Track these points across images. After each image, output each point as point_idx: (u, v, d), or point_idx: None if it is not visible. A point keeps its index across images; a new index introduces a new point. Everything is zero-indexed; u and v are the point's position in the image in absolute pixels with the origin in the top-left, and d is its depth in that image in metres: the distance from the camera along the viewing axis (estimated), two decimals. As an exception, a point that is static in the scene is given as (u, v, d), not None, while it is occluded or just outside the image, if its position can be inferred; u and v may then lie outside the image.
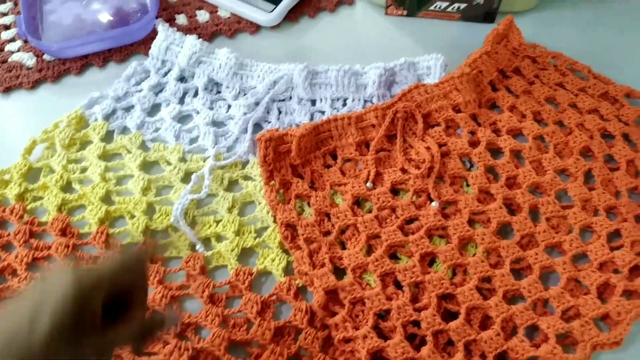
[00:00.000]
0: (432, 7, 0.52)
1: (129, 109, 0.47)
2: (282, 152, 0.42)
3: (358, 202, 0.42)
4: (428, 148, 0.42)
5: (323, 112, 0.46)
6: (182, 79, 0.48)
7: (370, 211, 0.41)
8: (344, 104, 0.47)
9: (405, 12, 0.54)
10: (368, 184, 0.42)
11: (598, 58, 0.49)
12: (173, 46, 0.48)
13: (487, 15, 0.52)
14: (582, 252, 0.39)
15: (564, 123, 0.45)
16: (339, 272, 0.38)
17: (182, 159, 0.44)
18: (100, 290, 0.26)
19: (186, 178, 0.43)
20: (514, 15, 0.52)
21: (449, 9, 0.52)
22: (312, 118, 0.46)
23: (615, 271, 0.38)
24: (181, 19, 0.53)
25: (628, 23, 0.53)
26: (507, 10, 0.53)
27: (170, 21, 0.53)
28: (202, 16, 0.53)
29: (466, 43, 0.50)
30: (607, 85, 0.47)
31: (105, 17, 0.53)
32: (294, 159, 0.42)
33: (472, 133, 0.44)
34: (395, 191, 0.42)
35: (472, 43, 0.50)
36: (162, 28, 0.48)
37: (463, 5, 0.52)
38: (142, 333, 0.29)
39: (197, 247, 0.40)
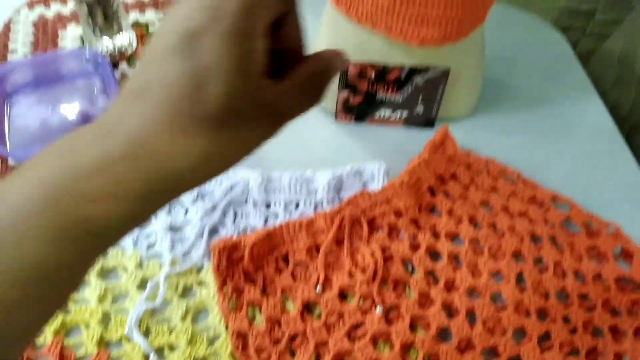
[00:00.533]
0: (377, 115, 0.57)
1: (89, 213, 0.49)
2: (235, 259, 0.44)
3: (308, 307, 0.44)
4: (372, 253, 0.45)
5: (277, 215, 0.49)
6: (142, 184, 0.51)
7: (319, 316, 0.43)
8: (297, 207, 0.50)
9: (353, 119, 0.58)
10: (317, 288, 0.44)
11: (527, 163, 0.54)
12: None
13: (427, 122, 0.58)
14: (515, 355, 0.42)
15: (497, 226, 0.49)
16: (288, 380, 0.40)
17: (139, 266, 0.46)
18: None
19: (142, 285, 0.45)
20: (451, 122, 0.57)
21: (393, 117, 0.57)
22: (266, 221, 0.49)
23: (545, 374, 0.41)
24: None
25: (553, 130, 0.59)
26: (446, 117, 0.58)
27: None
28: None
29: (409, 146, 0.55)
30: (534, 190, 0.52)
31: (71, 121, 0.56)
32: (247, 266, 0.44)
33: (413, 237, 0.48)
34: (343, 295, 0.45)
35: (414, 146, 0.54)
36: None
37: (405, 114, 0.57)
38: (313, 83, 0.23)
39: (151, 357, 0.41)
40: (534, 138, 0.58)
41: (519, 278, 0.46)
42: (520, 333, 0.43)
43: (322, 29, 0.57)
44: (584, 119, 0.61)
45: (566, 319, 0.44)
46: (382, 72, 0.53)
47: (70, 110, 0.57)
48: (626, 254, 0.48)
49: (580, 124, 0.60)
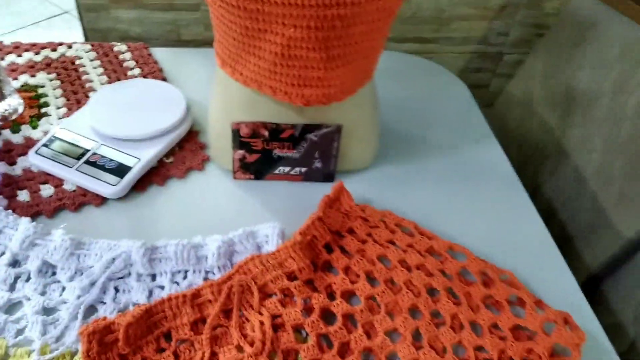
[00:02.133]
0: (276, 171, 0.56)
1: (-48, 300, 0.45)
2: (109, 343, 0.41)
3: None
4: (262, 322, 0.43)
5: (162, 287, 0.46)
6: (14, 263, 0.47)
7: (203, 398, 0.40)
8: (185, 277, 0.47)
9: (252, 176, 0.57)
10: (204, 365, 0.41)
11: (425, 212, 0.54)
12: (7, 229, 0.47)
13: (327, 176, 0.57)
14: (410, 421, 0.40)
15: (394, 280, 0.48)
16: None
17: (5, 355, 0.42)
18: None
19: (7, 378, 0.40)
20: (351, 174, 0.57)
21: (292, 172, 0.56)
22: (151, 294, 0.46)
23: None
24: (23, 195, 0.53)
25: (452, 177, 0.60)
26: (345, 169, 0.58)
27: (12, 198, 0.52)
28: (46, 190, 0.53)
29: (309, 201, 0.54)
30: (431, 241, 0.51)
31: (-60, 196, 0.51)
32: (122, 349, 0.41)
33: (308, 300, 0.46)
34: (232, 369, 0.42)
35: (314, 201, 0.53)
36: (-7, 213, 0.47)
37: (304, 169, 0.56)
38: None
39: None
40: (432, 187, 0.58)
41: (416, 335, 0.45)
42: (416, 396, 0.42)
43: (215, 87, 0.56)
44: (484, 166, 0.62)
45: (463, 376, 0.43)
46: (276, 131, 0.53)
47: (-59, 184, 0.53)
48: (521, 301, 0.48)
49: (479, 171, 0.61)
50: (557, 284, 0.50)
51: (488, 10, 0.92)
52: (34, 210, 0.51)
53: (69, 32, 1.90)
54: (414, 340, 0.44)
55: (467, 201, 0.57)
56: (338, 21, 0.43)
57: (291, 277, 0.47)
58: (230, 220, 0.52)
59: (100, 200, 0.53)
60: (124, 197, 0.54)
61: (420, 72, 0.78)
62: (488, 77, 1.04)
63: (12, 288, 0.46)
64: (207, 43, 0.91)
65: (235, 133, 0.53)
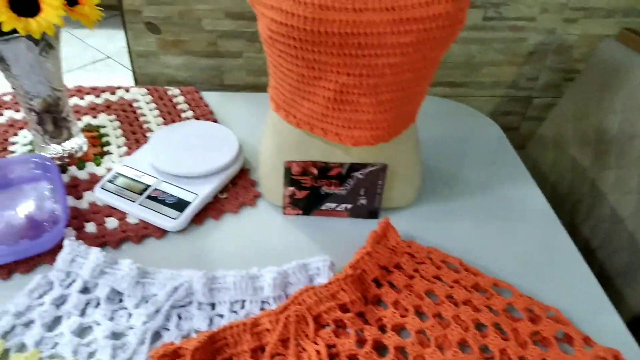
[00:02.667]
0: (323, 207, 0.59)
1: (28, 324, 0.48)
2: (176, 367, 0.43)
3: None
4: (318, 352, 0.45)
5: (222, 316, 0.49)
6: (85, 289, 0.50)
7: (263, 423, 0.41)
8: (242, 306, 0.50)
9: (300, 212, 0.60)
10: (263, 391, 0.43)
11: (468, 249, 0.56)
12: (78, 258, 0.51)
13: (371, 213, 0.60)
14: None
15: (442, 315, 0.50)
16: None
17: (77, 377, 0.44)
18: None
19: (79, 399, 0.43)
20: (395, 211, 0.59)
21: (338, 209, 0.59)
22: (211, 322, 0.48)
23: None
24: (90, 227, 0.56)
25: (492, 216, 0.62)
26: (389, 207, 0.61)
27: (80, 229, 0.56)
28: (111, 223, 0.57)
29: (355, 237, 0.57)
30: (476, 277, 0.53)
31: (16, 227, 0.55)
32: (189, 373, 0.43)
33: (360, 332, 0.48)
34: (290, 397, 0.44)
35: (360, 236, 0.56)
36: (69, 243, 0.51)
37: (350, 206, 0.59)
38: None
39: None
40: (474, 224, 0.60)
41: (466, 369, 0.46)
42: None
43: (267, 129, 0.60)
44: (522, 203, 0.64)
45: (514, 410, 0.43)
46: (324, 169, 0.56)
47: (16, 215, 0.57)
48: (568, 338, 0.49)
49: (518, 209, 0.63)
50: (601, 322, 0.51)
51: (517, 56, 0.96)
52: (100, 241, 0.55)
53: (112, 75, 2.01)
54: (464, 373, 0.46)
55: (507, 238, 0.59)
56: (388, 69, 0.47)
57: (343, 308, 0.49)
58: (281, 253, 0.55)
59: (161, 233, 0.56)
60: (183, 230, 0.57)
61: (455, 114, 0.82)
62: (518, 120, 1.07)
63: (82, 313, 0.49)
64: (248, 88, 0.96)
65: (287, 171, 0.57)
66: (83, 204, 0.59)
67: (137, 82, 0.96)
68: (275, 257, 0.54)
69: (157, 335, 0.47)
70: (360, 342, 0.47)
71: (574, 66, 0.97)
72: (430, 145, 0.73)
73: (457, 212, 0.62)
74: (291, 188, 0.58)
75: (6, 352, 0.46)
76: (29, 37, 0.53)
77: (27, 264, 0.53)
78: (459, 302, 0.51)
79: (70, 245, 0.51)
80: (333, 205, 0.59)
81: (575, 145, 0.81)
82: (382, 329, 0.48)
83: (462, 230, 0.59)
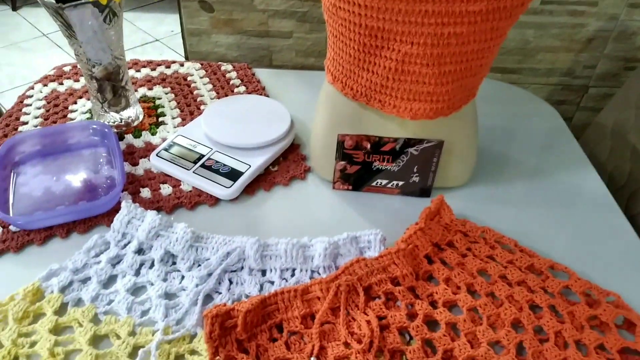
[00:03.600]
0: (374, 184, 0.59)
1: (85, 280, 0.49)
2: (228, 327, 0.44)
3: None
4: (369, 322, 0.45)
5: (272, 282, 0.49)
6: (140, 251, 0.51)
7: (313, 388, 0.41)
8: (292, 274, 0.50)
9: (350, 187, 0.60)
10: (312, 359, 0.43)
11: (523, 232, 0.55)
12: (134, 220, 0.52)
13: (423, 191, 0.59)
14: None
15: (495, 295, 0.48)
16: None
17: (132, 333, 0.45)
18: None
19: (134, 352, 0.44)
20: (447, 191, 0.58)
21: (389, 185, 0.59)
22: (261, 288, 0.49)
23: None
24: (145, 192, 0.58)
25: (549, 200, 0.60)
26: (441, 186, 0.59)
27: (135, 194, 0.57)
28: (165, 190, 0.58)
29: (405, 215, 0.56)
30: (532, 258, 0.51)
31: (74, 190, 0.57)
32: (240, 334, 0.43)
33: (411, 305, 0.47)
34: (339, 365, 0.43)
35: (410, 215, 0.55)
36: (126, 204, 0.52)
37: (401, 183, 0.58)
38: None
39: None
40: (529, 208, 0.59)
41: (519, 348, 0.45)
42: (523, 408, 0.41)
43: (321, 103, 0.60)
44: (580, 189, 0.62)
45: (571, 393, 0.42)
46: (378, 144, 0.55)
47: (75, 178, 0.59)
48: (629, 325, 0.47)
49: (576, 194, 0.61)
50: (665, 311, 0.48)
51: (575, 42, 0.92)
52: (155, 207, 0.56)
53: (160, 58, 2.05)
54: (518, 354, 0.44)
55: (564, 223, 0.57)
56: (454, 39, 0.46)
57: (394, 282, 0.48)
58: (331, 227, 0.55)
59: (214, 201, 0.57)
60: (235, 199, 0.58)
61: (511, 97, 0.79)
62: (572, 109, 1.03)
63: (137, 273, 0.50)
64: (297, 68, 0.96)
65: (340, 144, 0.56)
66: (139, 170, 0.60)
67: (188, 60, 0.98)
68: (325, 230, 0.54)
69: (208, 298, 0.48)
70: (411, 315, 0.46)
71: (635, 54, 0.93)
72: (486, 126, 0.71)
73: (512, 195, 0.60)
74: (343, 162, 0.58)
75: (64, 305, 0.47)
76: (95, 4, 0.55)
77: (85, 224, 0.54)
78: (512, 282, 0.49)
79: (127, 207, 0.52)
80: (384, 181, 0.59)
81: (636, 133, 0.78)
82: (433, 304, 0.48)
83: (517, 214, 0.58)
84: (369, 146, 0.56)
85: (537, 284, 0.49)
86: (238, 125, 0.63)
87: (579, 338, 0.45)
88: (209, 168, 0.58)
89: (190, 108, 0.71)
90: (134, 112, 0.66)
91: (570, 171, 0.64)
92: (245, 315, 0.43)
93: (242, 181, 0.57)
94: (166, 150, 0.61)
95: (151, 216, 0.51)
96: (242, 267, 0.50)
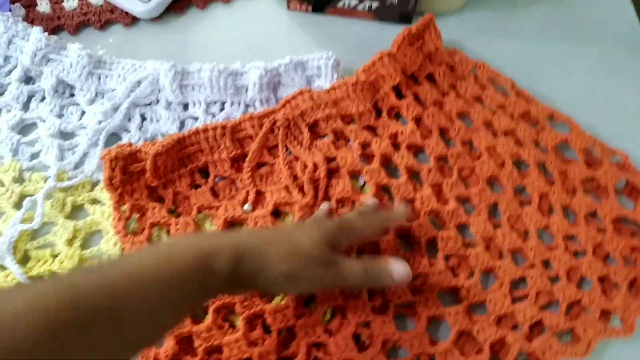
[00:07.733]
0: (340, 4, 0.45)
1: (-40, 116, 0.39)
2: (135, 172, 0.35)
3: (233, 227, 0.35)
4: (315, 163, 0.36)
5: (196, 119, 0.39)
6: (28, 80, 0.40)
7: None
8: (222, 109, 0.40)
9: (310, 8, 0.46)
10: (246, 207, 0.35)
11: (525, 71, 0.43)
12: (17, 39, 0.40)
13: (403, 16, 0.46)
14: (480, 302, 0.33)
15: (473, 144, 0.39)
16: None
17: (19, 179, 0.37)
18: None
19: (20, 203, 0.35)
20: (437, 18, 0.45)
21: (360, 7, 0.45)
22: (182, 125, 0.39)
23: (514, 327, 0.32)
24: (43, 6, 0.45)
25: (563, 34, 0.47)
26: (428, 11, 0.46)
27: (30, 7, 0.44)
28: (70, 3, 0.45)
29: (378, 43, 0.43)
30: (528, 104, 0.41)
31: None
32: (151, 180, 0.35)
33: (366, 145, 0.37)
34: (277, 212, 0.35)
35: (384, 44, 0.43)
36: (2, 18, 0.40)
37: (375, 4, 0.45)
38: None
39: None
40: (539, 41, 0.46)
41: (493, 210, 0.36)
42: (488, 276, 0.34)
43: None
44: (604, 24, 0.48)
45: (547, 264, 0.35)
46: (344, -56, 0.41)
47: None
48: (631, 190, 0.38)
49: (597, 31, 0.47)
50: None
51: None
52: (55, 24, 0.44)
53: None
54: (490, 216, 0.36)
55: (576, 61, 0.45)
56: None
57: (347, 119, 0.38)
58: (277, 54, 0.42)
59: (130, 20, 0.45)
60: (158, 18, 0.45)
61: None
62: None
63: (25, 107, 0.40)
64: None
65: (294, -54, 0.42)
66: (37, -22, 0.47)
67: None
68: (269, 56, 0.42)
69: (114, 137, 0.39)
70: (365, 157, 0.37)
71: None
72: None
73: (518, 23, 0.47)
74: (298, -28, 0.44)
75: None
76: None
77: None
78: (498, 131, 0.39)
79: (4, 21, 0.40)
80: (353, 2, 0.45)
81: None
82: (395, 147, 0.38)
83: (522, 47, 0.45)
84: (332, -52, 0.42)
85: (529, 135, 0.39)
86: None
87: (568, 203, 0.37)
88: (123, -25, 0.44)
89: None
90: None
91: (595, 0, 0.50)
92: (155, 158, 0.34)
93: (165, -7, 0.44)
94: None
95: (36, 34, 0.39)
96: (158, 100, 0.39)
